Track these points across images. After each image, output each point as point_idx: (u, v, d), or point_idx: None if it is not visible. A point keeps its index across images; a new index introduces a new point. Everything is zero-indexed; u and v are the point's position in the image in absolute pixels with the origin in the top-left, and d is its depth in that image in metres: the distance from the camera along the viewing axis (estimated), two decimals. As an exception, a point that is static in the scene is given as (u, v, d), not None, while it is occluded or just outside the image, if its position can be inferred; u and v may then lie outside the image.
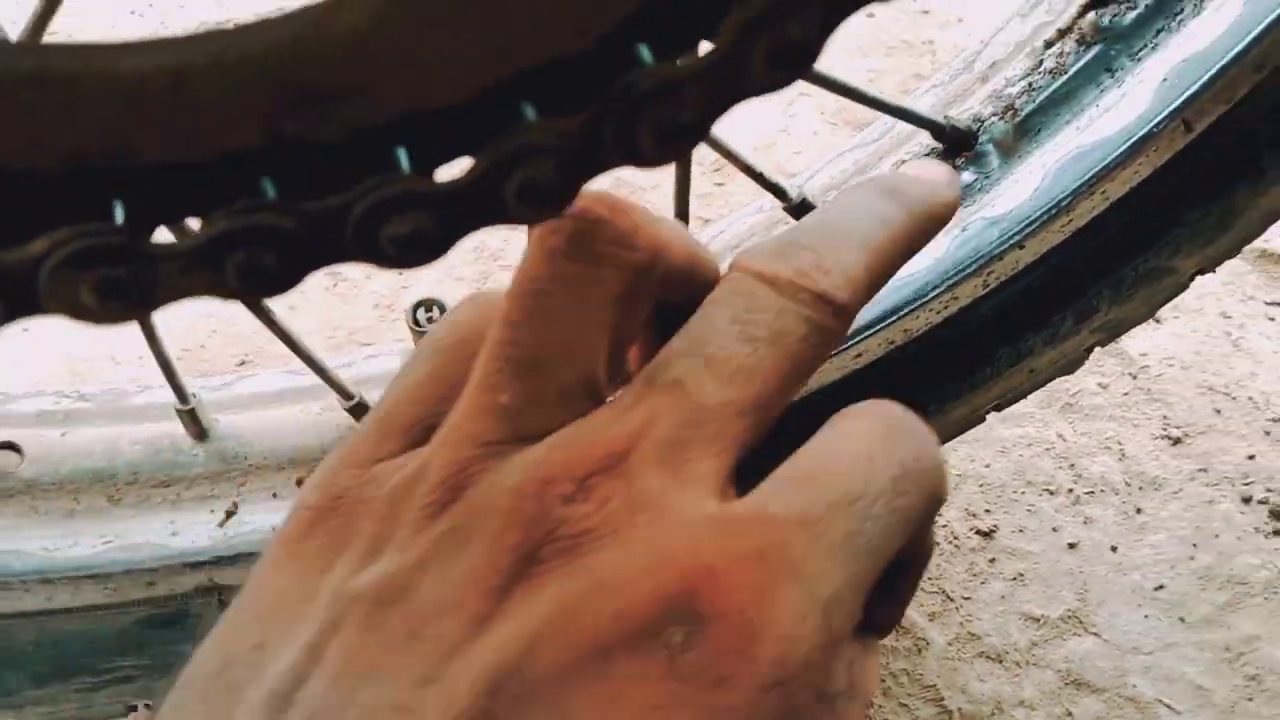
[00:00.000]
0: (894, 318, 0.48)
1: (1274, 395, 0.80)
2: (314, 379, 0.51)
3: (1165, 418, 0.79)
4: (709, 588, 0.25)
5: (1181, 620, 0.69)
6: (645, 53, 0.24)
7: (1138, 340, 0.83)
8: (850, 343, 0.49)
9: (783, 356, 0.29)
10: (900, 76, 1.00)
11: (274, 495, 0.51)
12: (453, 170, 0.24)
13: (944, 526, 0.73)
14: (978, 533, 0.73)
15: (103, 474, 0.53)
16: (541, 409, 0.29)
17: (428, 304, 0.46)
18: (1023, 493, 0.75)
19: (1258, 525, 0.74)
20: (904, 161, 0.51)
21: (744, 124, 0.99)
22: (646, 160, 0.25)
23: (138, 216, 0.23)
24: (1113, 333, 0.52)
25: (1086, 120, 0.48)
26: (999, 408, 0.55)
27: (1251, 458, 0.77)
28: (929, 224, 0.38)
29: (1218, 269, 0.87)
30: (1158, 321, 0.85)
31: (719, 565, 0.25)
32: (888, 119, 0.53)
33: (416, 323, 0.46)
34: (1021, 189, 0.48)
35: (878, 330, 0.49)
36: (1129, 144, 0.46)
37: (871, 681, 0.31)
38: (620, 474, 0.27)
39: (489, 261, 0.90)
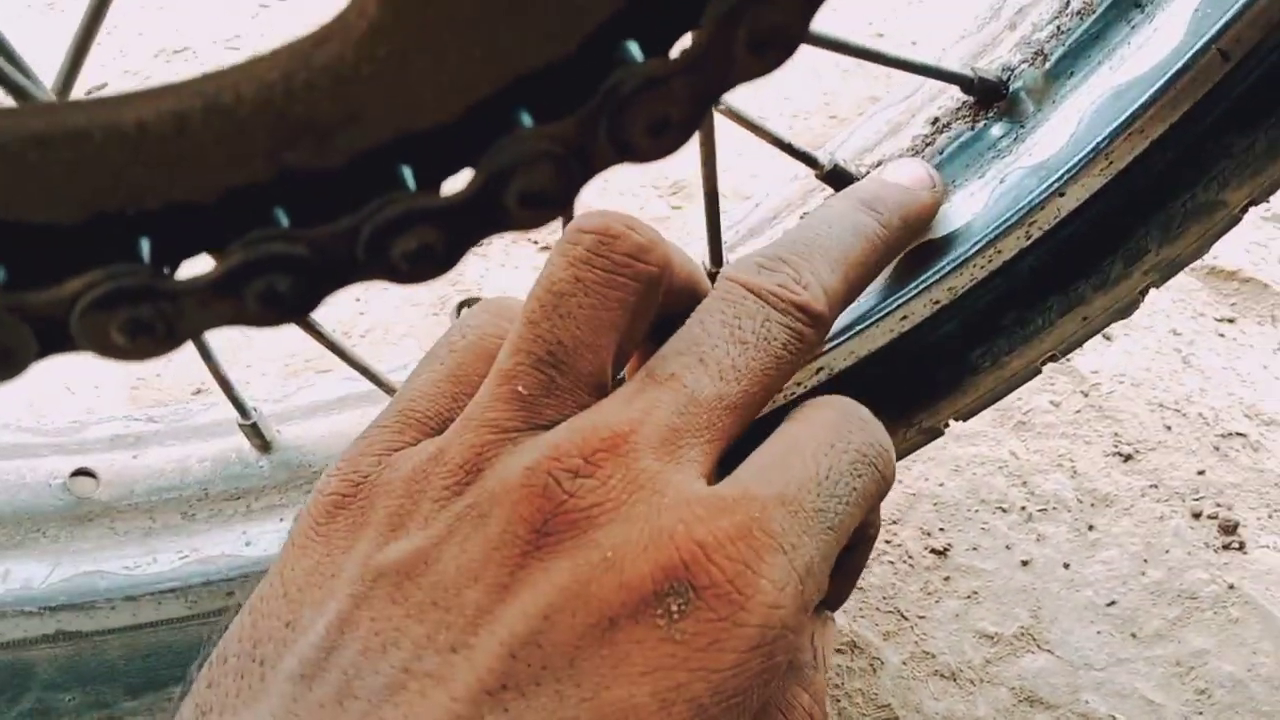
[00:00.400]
0: (938, 276, 0.48)
1: (1223, 411, 0.82)
2: (368, 385, 0.52)
3: (1116, 435, 0.80)
4: (700, 561, 0.28)
5: (1133, 636, 0.70)
6: (632, 50, 0.24)
7: (1089, 358, 0.84)
8: (894, 306, 0.48)
9: (768, 359, 0.33)
10: (854, 99, 1.01)
11: None
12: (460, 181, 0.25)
13: (898, 546, 0.74)
14: (932, 551, 0.74)
15: (175, 491, 0.55)
16: (555, 399, 0.32)
17: (471, 302, 0.47)
18: (976, 511, 0.76)
19: (1207, 540, 0.74)
20: (937, 119, 0.50)
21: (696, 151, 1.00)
22: (641, 156, 0.26)
23: (160, 255, 0.23)
24: (1166, 273, 0.51)
25: (1119, 59, 0.47)
26: (1054, 358, 0.54)
27: (1201, 473, 0.78)
28: (907, 231, 0.41)
29: (1169, 288, 0.89)
30: (1108, 339, 0.86)
31: (710, 541, 0.28)
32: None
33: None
34: (1057, 135, 0.47)
35: (922, 291, 0.48)
36: (1165, 79, 0.45)
37: (831, 653, 0.34)
38: (622, 454, 0.30)
39: (446, 286, 0.90)
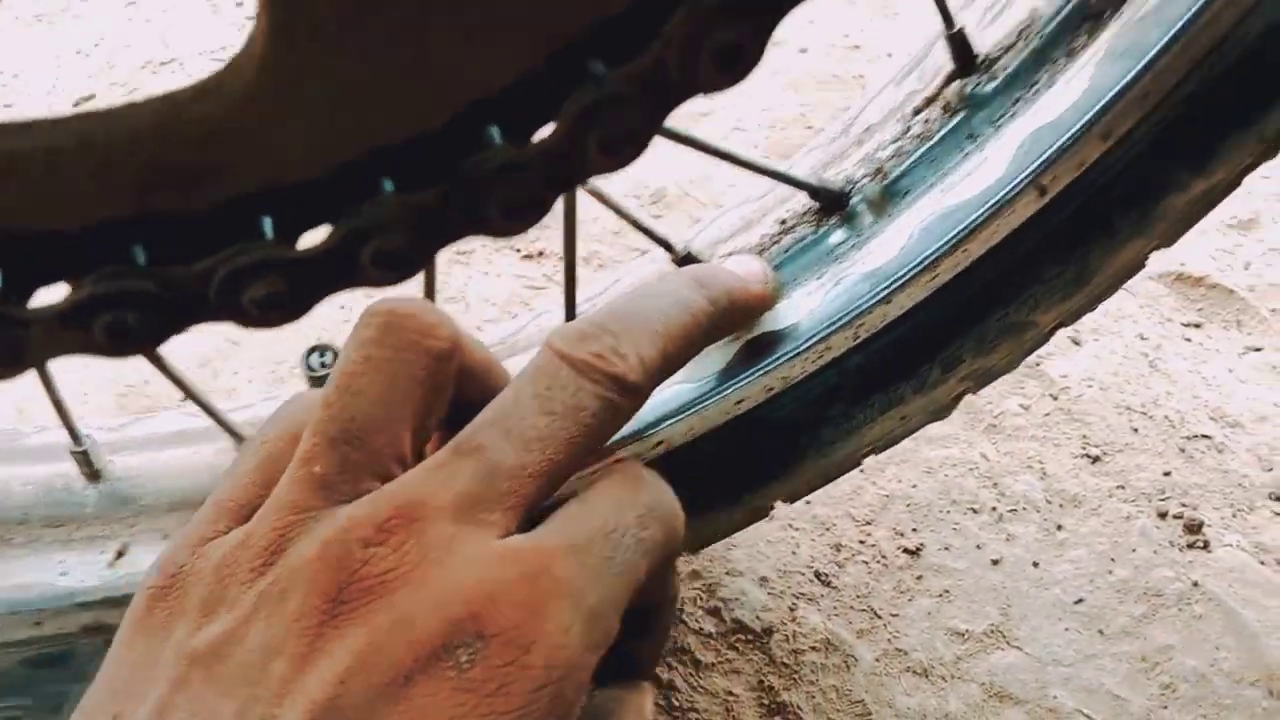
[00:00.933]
0: (772, 365, 0.51)
1: (1189, 414, 0.84)
2: (208, 421, 0.51)
3: (1085, 437, 0.82)
4: (488, 611, 0.30)
5: (1100, 632, 0.72)
6: (494, 134, 0.26)
7: (1058, 362, 0.86)
8: (731, 390, 0.51)
9: (576, 429, 0.34)
10: (831, 110, 1.03)
11: (164, 536, 0.51)
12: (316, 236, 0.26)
13: (872, 546, 0.76)
14: (905, 551, 0.75)
15: (-7, 513, 0.53)
16: (352, 476, 0.33)
17: (321, 349, 0.48)
18: (948, 511, 0.77)
19: (1173, 539, 0.76)
20: (784, 220, 0.54)
21: (678, 158, 1.01)
22: (495, 231, 0.27)
23: (16, 282, 0.24)
24: (980, 381, 0.55)
25: (950, 183, 0.51)
26: (876, 451, 0.58)
27: (1167, 474, 0.80)
28: (733, 314, 0.43)
29: (1137, 294, 0.91)
30: (1077, 344, 0.88)
31: (497, 591, 0.30)
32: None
33: (309, 368, 0.48)
34: (890, 247, 0.51)
35: (757, 377, 0.51)
36: (988, 206, 0.49)
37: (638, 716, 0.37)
38: (417, 520, 0.31)
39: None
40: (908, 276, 0.50)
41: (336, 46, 0.23)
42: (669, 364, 0.38)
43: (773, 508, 0.58)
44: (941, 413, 0.56)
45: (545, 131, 0.28)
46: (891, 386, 0.54)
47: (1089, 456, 0.81)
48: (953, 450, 0.81)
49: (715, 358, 0.52)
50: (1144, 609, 0.73)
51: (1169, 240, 0.52)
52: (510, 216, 0.27)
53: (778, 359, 0.51)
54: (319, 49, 0.23)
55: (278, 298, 0.26)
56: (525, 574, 0.30)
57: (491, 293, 0.91)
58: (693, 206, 0.98)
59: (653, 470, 0.36)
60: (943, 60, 0.53)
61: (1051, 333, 0.54)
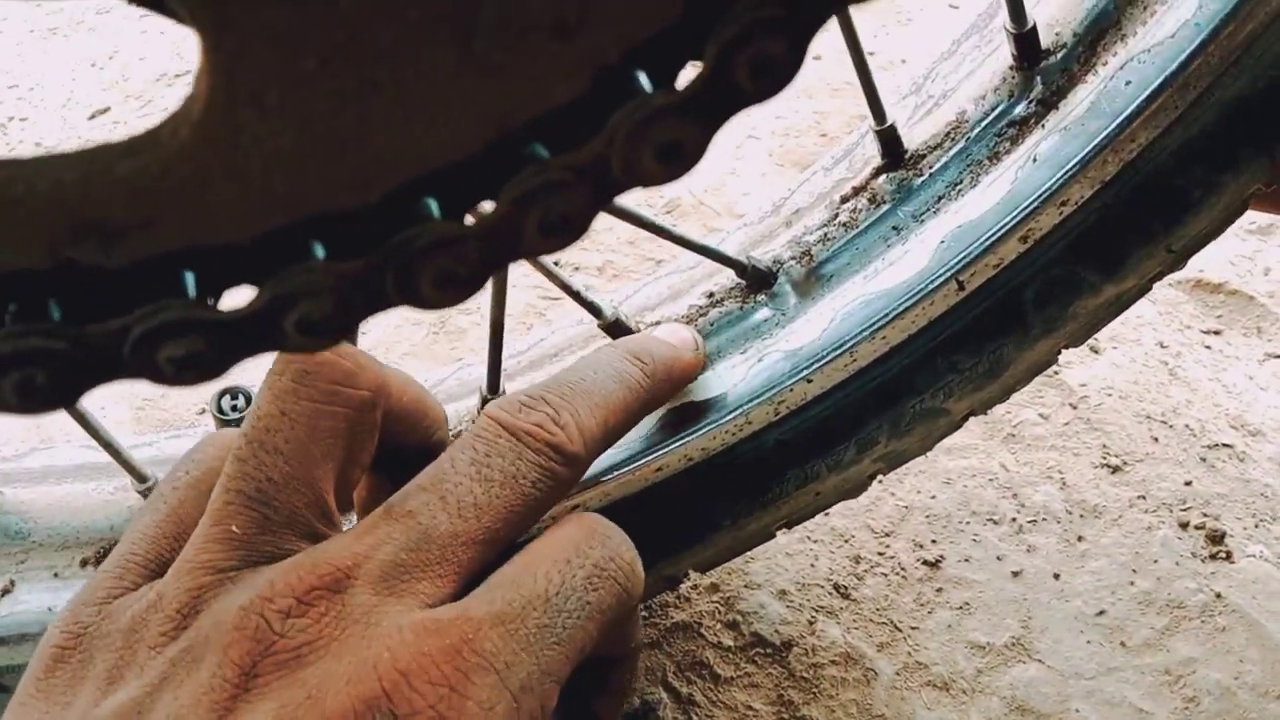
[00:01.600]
0: (693, 435, 0.52)
1: (1209, 422, 0.83)
2: (107, 457, 0.50)
3: (1105, 446, 0.81)
4: (403, 689, 0.28)
5: (1122, 645, 0.71)
6: (430, 207, 0.26)
7: (1077, 371, 0.86)
8: (651, 457, 0.52)
9: (514, 496, 0.34)
10: (844, 118, 1.03)
11: (55, 575, 0.50)
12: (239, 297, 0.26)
13: (891, 558, 0.75)
14: (924, 563, 0.75)
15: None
16: (272, 535, 0.32)
17: (233, 392, 0.47)
18: (967, 523, 0.77)
19: (1194, 550, 0.76)
20: (712, 294, 0.55)
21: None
22: (426, 304, 0.27)
23: None
24: (893, 463, 0.57)
25: (873, 271, 0.53)
26: (789, 525, 0.59)
27: (1188, 484, 0.79)
28: (668, 385, 0.43)
29: (1156, 301, 0.90)
30: (1096, 352, 0.87)
31: (413, 666, 0.28)
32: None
33: (220, 410, 0.47)
34: (813, 328, 0.53)
35: (677, 447, 0.52)
36: (908, 297, 0.51)
37: None
38: (339, 590, 0.30)
39: (446, 306, 0.92)
40: (828, 358, 0.51)
41: (277, 115, 0.23)
42: (609, 435, 0.38)
43: (686, 576, 0.59)
44: (854, 491, 0.58)
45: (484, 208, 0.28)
46: (807, 463, 0.56)
47: (1109, 466, 0.80)
48: (972, 460, 0.80)
49: (638, 427, 0.52)
50: (1166, 621, 0.72)
51: (1079, 340, 0.54)
52: (442, 289, 0.27)
53: (699, 429, 0.52)
54: (258, 116, 0.23)
55: (196, 358, 0.25)
56: (446, 648, 0.29)
57: (508, 304, 0.91)
58: (708, 215, 0.98)
59: (608, 522, 0.35)
60: (872, 152, 0.54)
61: (964, 420, 0.56)
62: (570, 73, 0.25)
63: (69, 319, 0.25)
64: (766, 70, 0.25)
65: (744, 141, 1.04)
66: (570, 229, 0.28)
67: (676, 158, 0.26)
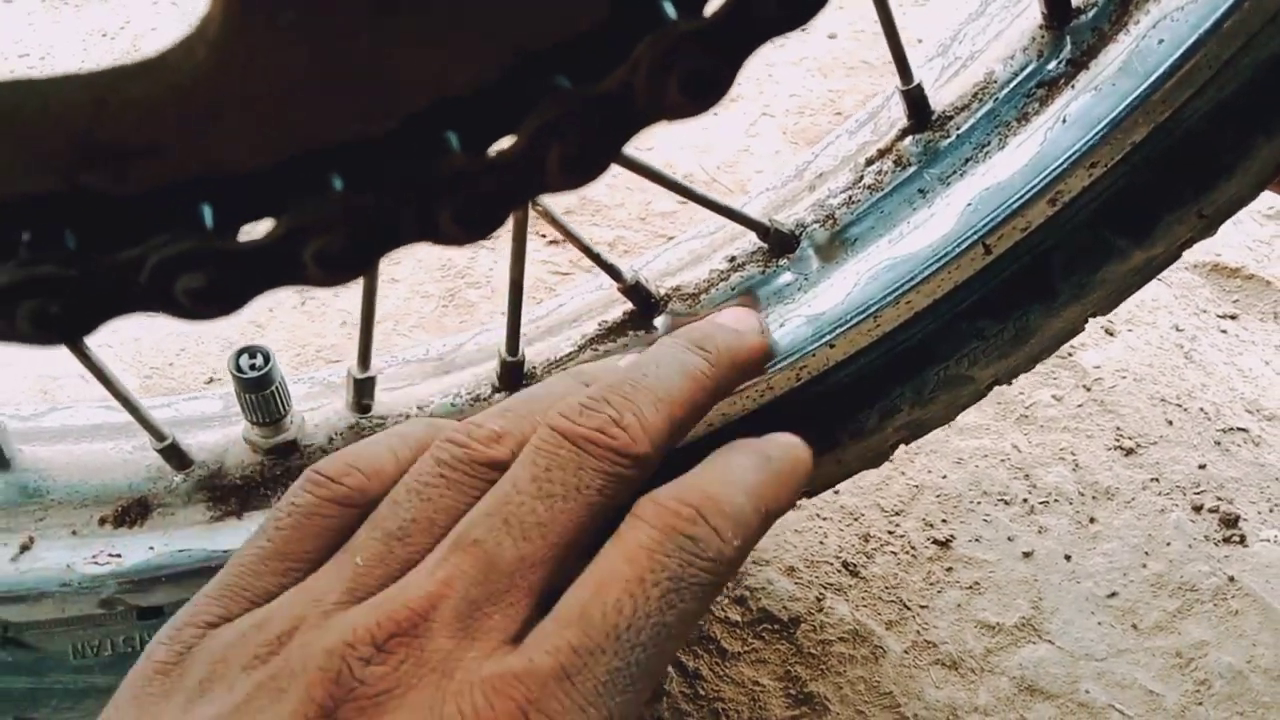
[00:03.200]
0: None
1: (1224, 406, 0.82)
2: (126, 416, 0.49)
3: (1118, 429, 0.81)
4: None
5: (1134, 627, 0.71)
6: (453, 140, 0.25)
7: (1091, 353, 0.85)
8: None
9: (579, 508, 0.33)
10: (859, 96, 1.02)
11: (73, 532, 0.50)
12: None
13: (901, 537, 0.74)
14: (935, 542, 0.74)
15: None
16: (383, 571, 0.32)
17: (251, 351, 0.46)
18: (979, 503, 0.76)
19: (1208, 533, 0.75)
20: (734, 257, 0.54)
21: (707, 142, 1.01)
22: (446, 239, 0.26)
23: None
24: (916, 432, 0.56)
25: (898, 235, 0.52)
26: (810, 494, 0.58)
27: (1202, 467, 0.79)
28: (734, 372, 0.41)
29: (1172, 285, 0.90)
30: (1111, 334, 0.86)
31: None
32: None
33: (239, 369, 0.46)
34: (836, 293, 0.51)
35: None
36: (933, 261, 0.50)
37: None
38: (417, 635, 0.30)
39: (456, 279, 0.91)
40: (851, 323, 0.50)
41: (293, 35, 0.23)
42: (676, 430, 0.37)
43: None
44: (876, 460, 0.57)
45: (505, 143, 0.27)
46: (830, 430, 0.55)
47: (1122, 448, 0.80)
48: (984, 441, 0.80)
49: None
50: (1178, 604, 0.72)
51: (1107, 308, 0.53)
52: (462, 224, 0.26)
53: None
54: (275, 36, 0.23)
55: (213, 290, 0.25)
56: (512, 712, 0.28)
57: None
58: (720, 192, 0.97)
59: (692, 496, 0.33)
60: (898, 114, 0.53)
61: (989, 388, 0.55)
62: (590, -2, 0.24)
63: (84, 248, 0.24)
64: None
65: (758, 119, 1.03)
66: (593, 164, 0.27)
67: (703, 88, 0.26)
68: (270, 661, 0.30)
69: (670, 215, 0.95)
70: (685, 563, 0.31)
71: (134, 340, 0.86)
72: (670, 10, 0.25)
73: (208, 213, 0.25)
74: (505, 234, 0.88)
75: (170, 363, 0.86)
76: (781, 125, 1.02)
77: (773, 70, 1.07)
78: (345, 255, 0.26)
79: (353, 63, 0.24)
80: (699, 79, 0.26)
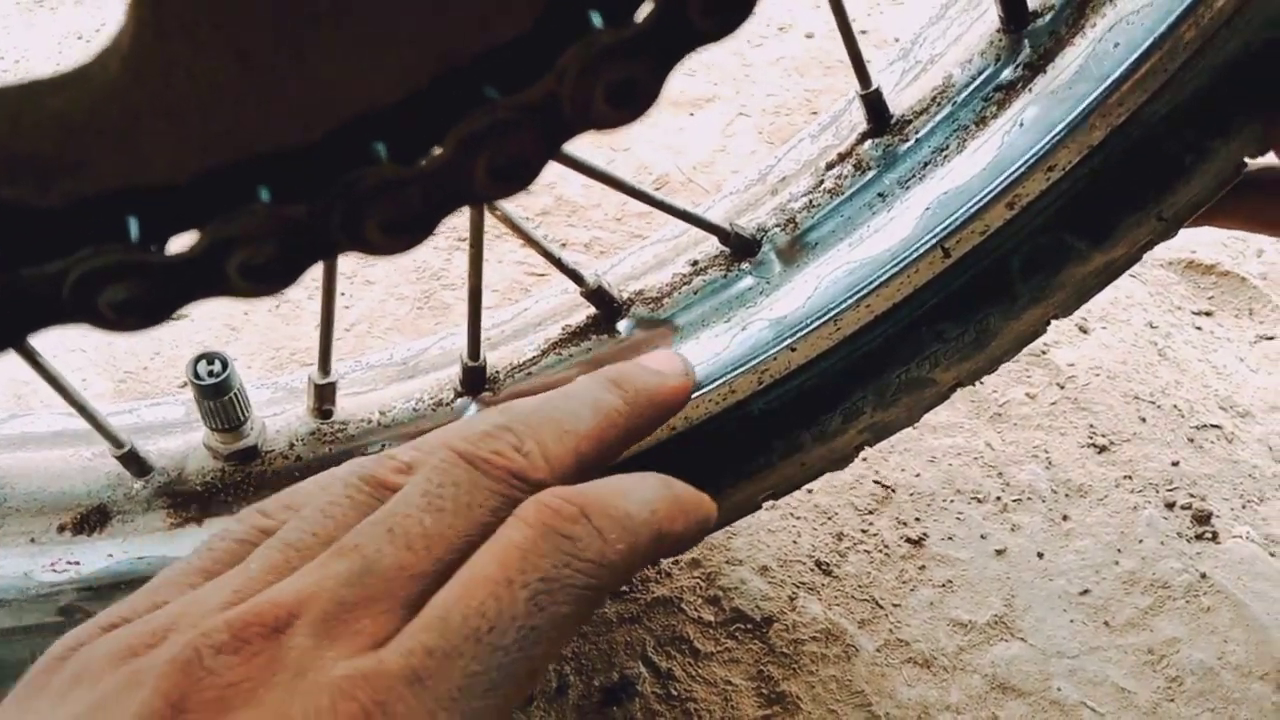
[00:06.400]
0: None
1: (1198, 403, 0.82)
2: (85, 424, 0.49)
3: (1092, 426, 0.81)
4: None
5: (1106, 624, 0.71)
6: (380, 150, 0.25)
7: (1065, 350, 0.85)
8: None
9: (469, 525, 0.32)
10: (835, 96, 1.02)
11: (32, 540, 0.49)
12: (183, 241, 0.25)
13: (875, 535, 0.75)
14: (908, 541, 0.75)
15: None
16: (275, 578, 0.31)
17: (209, 357, 0.46)
18: (952, 501, 0.76)
19: (1180, 530, 0.75)
20: (696, 261, 0.54)
21: (683, 143, 1.00)
22: (374, 249, 0.26)
23: None
24: (879, 434, 0.56)
25: (857, 239, 0.52)
26: (775, 496, 0.58)
27: (1175, 464, 0.79)
28: (652, 411, 0.40)
29: (1147, 282, 0.90)
30: (1085, 332, 0.87)
31: None
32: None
33: (197, 375, 0.46)
34: (796, 296, 0.52)
35: None
36: (893, 264, 0.50)
37: None
38: (280, 631, 0.29)
39: (431, 280, 0.91)
40: (812, 327, 0.51)
41: (209, 47, 0.22)
42: (582, 463, 0.36)
43: None
44: (840, 462, 0.57)
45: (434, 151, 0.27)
46: (792, 433, 0.55)
47: (1096, 446, 0.80)
48: (957, 439, 0.80)
49: None
50: (1151, 600, 0.72)
51: (1068, 309, 0.53)
52: (389, 234, 0.26)
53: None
54: (189, 48, 0.22)
55: (137, 302, 0.24)
56: (355, 714, 0.27)
57: (493, 279, 0.90)
58: (696, 192, 0.97)
59: (573, 498, 0.32)
60: (859, 118, 0.54)
61: (951, 391, 0.55)
62: (515, 7, 0.24)
63: (6, 261, 0.24)
64: (719, 6, 0.24)
65: (734, 119, 1.03)
66: (521, 173, 0.27)
67: (628, 98, 0.26)
68: (138, 657, 0.29)
69: (646, 216, 0.95)
70: (561, 563, 0.30)
71: (107, 345, 0.86)
72: (596, 20, 0.25)
73: (133, 225, 0.25)
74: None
75: (144, 367, 0.86)
76: (758, 125, 1.02)
77: (750, 70, 1.07)
78: (270, 266, 0.26)
79: (273, 75, 0.24)
80: (625, 89, 0.26)
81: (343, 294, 0.90)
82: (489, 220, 0.52)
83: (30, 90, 0.23)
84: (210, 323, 0.88)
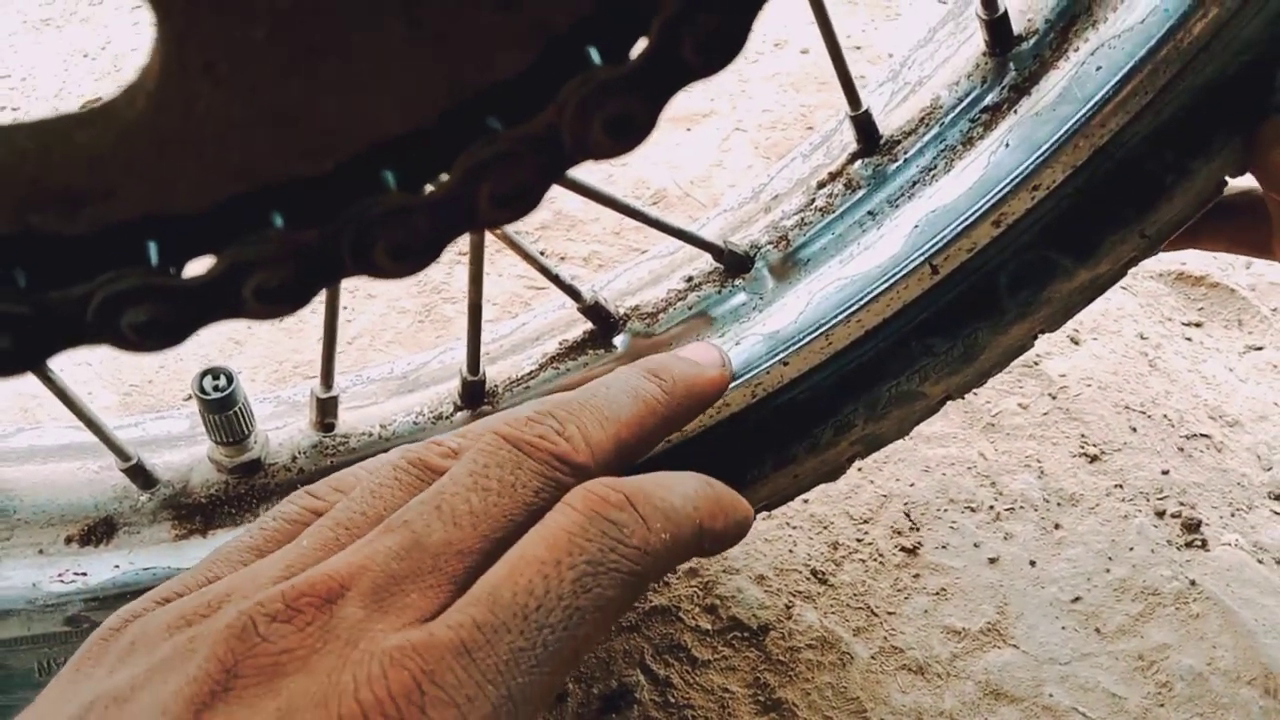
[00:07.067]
0: None
1: (1188, 413, 0.84)
2: (92, 437, 0.50)
3: (1083, 436, 0.82)
4: None
5: (1097, 631, 0.72)
6: (388, 179, 0.26)
7: (1056, 361, 0.86)
8: None
9: (513, 505, 0.33)
10: (831, 111, 1.04)
11: (40, 551, 0.50)
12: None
13: (869, 544, 0.76)
14: (902, 550, 0.76)
15: None
16: (326, 554, 0.32)
17: (215, 372, 0.48)
18: (946, 510, 0.78)
19: (1170, 538, 0.76)
20: (691, 278, 0.56)
21: (680, 158, 1.02)
22: (382, 273, 0.28)
23: None
24: (871, 446, 0.58)
25: (848, 256, 0.53)
26: (769, 508, 0.59)
27: (1166, 473, 0.80)
28: (689, 400, 0.41)
29: (1138, 293, 0.91)
30: (1076, 343, 0.88)
31: (370, 700, 0.28)
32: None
33: (202, 390, 0.47)
34: (789, 312, 0.53)
35: None
36: (883, 281, 0.52)
37: None
38: (331, 601, 0.30)
39: (432, 294, 0.92)
40: (804, 341, 0.52)
41: (228, 84, 0.24)
42: (622, 449, 0.37)
43: None
44: (832, 474, 0.58)
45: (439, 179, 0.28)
46: (785, 446, 0.56)
47: (1087, 455, 0.81)
48: (950, 449, 0.81)
49: None
50: (1141, 608, 0.73)
51: (1055, 324, 0.54)
52: (397, 259, 0.27)
53: None
54: (210, 85, 0.24)
55: (158, 324, 0.26)
56: (404, 682, 0.28)
57: (493, 293, 0.92)
58: (693, 207, 0.98)
59: (622, 488, 0.33)
60: (849, 138, 0.55)
61: (940, 404, 0.56)
62: (517, 44, 0.26)
63: (34, 285, 0.26)
64: (712, 44, 0.26)
65: (730, 134, 1.04)
66: (523, 200, 0.28)
67: (625, 130, 0.27)
68: (193, 626, 0.30)
69: (644, 230, 0.96)
70: (607, 548, 0.31)
71: (113, 359, 0.87)
72: (595, 57, 0.26)
73: (153, 250, 0.27)
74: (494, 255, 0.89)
75: (150, 380, 0.87)
76: (754, 140, 1.03)
77: (746, 86, 1.08)
78: (284, 289, 0.27)
79: (287, 110, 0.25)
80: (622, 121, 0.27)
81: (345, 308, 0.91)
82: (488, 236, 0.53)
83: (60, 124, 0.25)
84: (214, 337, 0.89)
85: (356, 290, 0.92)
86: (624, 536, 0.32)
